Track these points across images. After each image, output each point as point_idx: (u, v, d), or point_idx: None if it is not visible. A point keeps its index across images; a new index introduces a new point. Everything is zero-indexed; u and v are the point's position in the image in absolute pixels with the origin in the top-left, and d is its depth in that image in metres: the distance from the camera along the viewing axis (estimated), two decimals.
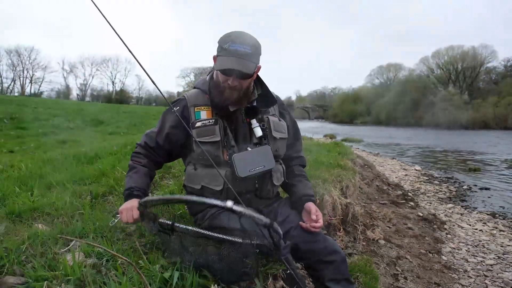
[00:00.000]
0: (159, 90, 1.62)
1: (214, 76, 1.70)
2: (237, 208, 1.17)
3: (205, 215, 1.75)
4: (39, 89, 62.54)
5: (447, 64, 58.40)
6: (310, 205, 1.74)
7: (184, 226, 1.42)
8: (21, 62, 60.11)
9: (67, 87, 68.03)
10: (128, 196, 1.62)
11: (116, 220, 1.56)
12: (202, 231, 1.52)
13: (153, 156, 1.79)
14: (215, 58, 1.61)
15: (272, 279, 1.46)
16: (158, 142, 1.76)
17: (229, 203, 1.17)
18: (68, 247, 1.56)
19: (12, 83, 60.38)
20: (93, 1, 1.42)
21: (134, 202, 1.52)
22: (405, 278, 3.22)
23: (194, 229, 1.50)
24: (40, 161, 3.88)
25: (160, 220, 1.42)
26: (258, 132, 1.71)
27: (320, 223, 1.68)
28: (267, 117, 1.77)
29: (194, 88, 1.80)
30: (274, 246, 1.28)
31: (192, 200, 1.34)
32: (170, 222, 1.41)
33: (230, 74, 1.55)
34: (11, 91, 58.99)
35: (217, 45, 1.59)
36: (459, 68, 56.94)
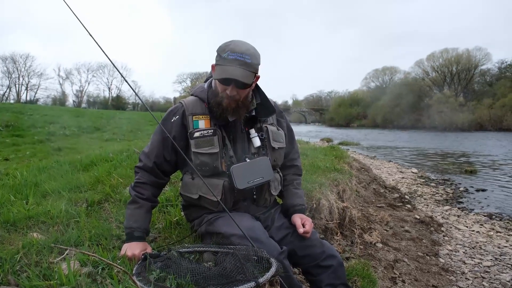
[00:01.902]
0: (137, 94, 1.63)
1: (213, 85, 1.68)
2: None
3: (202, 221, 1.74)
4: (35, 96, 62.43)
5: (442, 66, 58.77)
6: (295, 219, 1.76)
7: (179, 251, 1.49)
8: (17, 69, 59.97)
9: (63, 93, 67.97)
10: (130, 237, 1.63)
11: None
12: (198, 249, 1.56)
13: (158, 179, 1.73)
14: (213, 67, 1.60)
15: (269, 285, 1.46)
16: (165, 157, 1.69)
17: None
18: (63, 255, 1.55)
19: (8, 90, 60.20)
20: (68, 6, 1.42)
21: (135, 247, 1.56)
22: (403, 281, 3.21)
23: (190, 249, 1.55)
24: (35, 169, 3.86)
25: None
26: (257, 142, 1.70)
27: (307, 229, 1.70)
28: (266, 126, 1.75)
29: (192, 95, 1.76)
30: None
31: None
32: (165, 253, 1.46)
33: (229, 83, 1.54)
34: (6, 99, 58.85)
35: (214, 50, 1.58)
36: (454, 71, 57.35)
